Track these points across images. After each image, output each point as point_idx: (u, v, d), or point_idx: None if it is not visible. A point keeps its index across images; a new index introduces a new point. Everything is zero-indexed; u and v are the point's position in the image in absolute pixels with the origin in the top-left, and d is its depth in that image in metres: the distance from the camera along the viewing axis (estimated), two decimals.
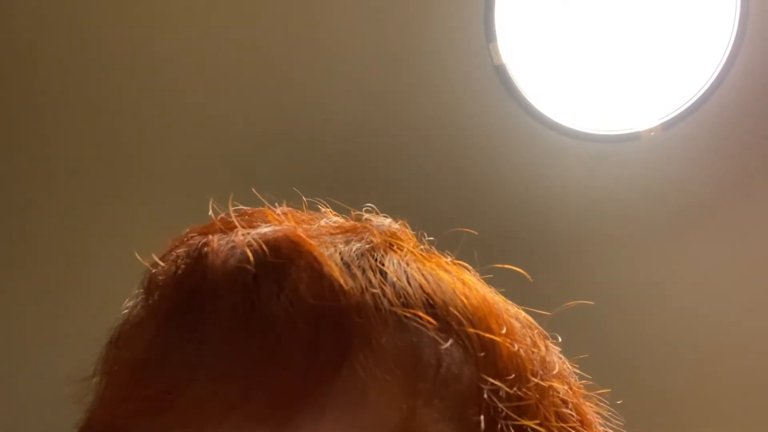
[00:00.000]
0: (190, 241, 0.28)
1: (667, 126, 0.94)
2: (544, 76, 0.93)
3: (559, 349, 0.32)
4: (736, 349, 1.05)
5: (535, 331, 0.31)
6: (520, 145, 0.97)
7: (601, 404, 0.32)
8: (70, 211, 1.02)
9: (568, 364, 0.31)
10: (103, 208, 1.02)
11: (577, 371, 0.32)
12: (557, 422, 0.28)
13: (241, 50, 0.94)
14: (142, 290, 0.29)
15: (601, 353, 1.02)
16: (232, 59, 0.95)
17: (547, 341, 0.31)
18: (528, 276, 0.35)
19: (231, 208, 0.30)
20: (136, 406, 0.25)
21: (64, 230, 1.03)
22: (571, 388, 0.30)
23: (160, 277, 0.28)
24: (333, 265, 0.26)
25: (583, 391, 0.31)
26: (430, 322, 0.26)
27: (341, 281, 0.26)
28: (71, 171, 1.00)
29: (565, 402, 0.29)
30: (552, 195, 1.00)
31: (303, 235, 0.27)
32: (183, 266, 0.27)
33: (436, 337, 0.26)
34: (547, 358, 0.30)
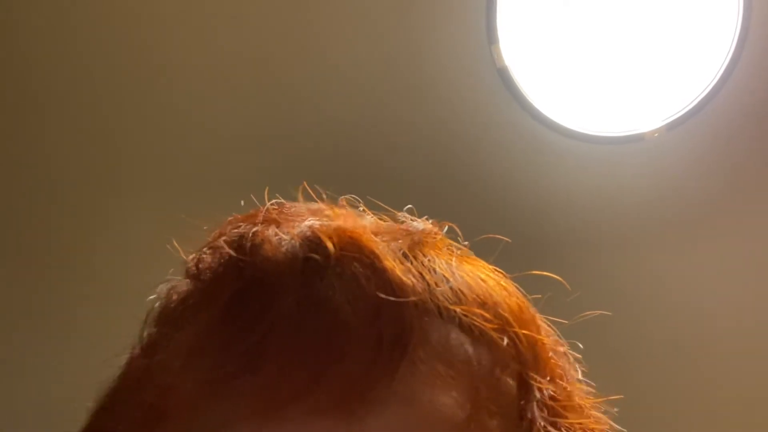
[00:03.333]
0: (237, 230, 0.29)
1: (671, 127, 0.94)
2: (546, 78, 0.93)
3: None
4: (744, 348, 1.05)
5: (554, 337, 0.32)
6: (523, 147, 0.97)
7: (606, 408, 0.32)
8: (73, 213, 1.02)
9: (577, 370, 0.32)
10: (106, 211, 1.02)
11: (584, 377, 0.32)
12: (582, 429, 0.29)
13: (244, 56, 0.94)
14: (188, 274, 0.29)
15: (606, 354, 1.02)
16: (238, 64, 0.95)
17: (564, 347, 0.32)
18: (551, 274, 0.35)
19: (268, 202, 0.30)
20: (200, 388, 0.25)
21: (68, 233, 1.03)
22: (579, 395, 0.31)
23: (211, 263, 0.28)
24: (392, 260, 0.27)
25: (587, 396, 0.32)
26: (489, 321, 0.27)
27: (402, 277, 0.26)
28: (73, 174, 1.00)
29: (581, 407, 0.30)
30: (556, 197, 1.00)
31: (361, 230, 0.27)
32: (238, 254, 0.28)
33: (494, 336, 0.27)
34: (566, 364, 0.30)
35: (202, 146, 0.99)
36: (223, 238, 0.29)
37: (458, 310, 0.27)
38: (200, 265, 0.29)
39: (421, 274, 0.27)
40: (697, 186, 0.98)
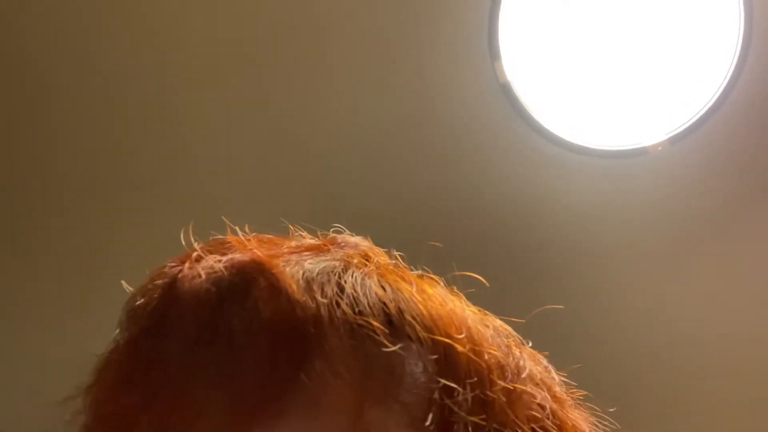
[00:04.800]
0: (167, 271, 0.31)
1: (675, 140, 0.94)
2: (549, 92, 0.93)
3: (546, 358, 0.33)
4: (744, 365, 1.04)
5: (511, 339, 0.32)
6: (526, 162, 0.97)
7: (596, 413, 0.32)
8: (78, 214, 1.03)
9: (553, 373, 0.32)
10: (112, 213, 1.02)
11: (570, 381, 0.32)
12: (529, 425, 0.29)
13: (251, 71, 0.95)
14: (123, 319, 0.31)
15: (605, 367, 1.01)
16: (242, 77, 0.96)
17: (524, 348, 0.32)
18: (524, 291, 0.35)
19: (193, 239, 0.32)
20: (111, 421, 0.28)
21: (72, 234, 1.04)
22: (553, 395, 0.31)
23: (138, 306, 0.31)
24: (291, 281, 0.28)
25: (568, 398, 0.32)
26: (380, 329, 0.28)
27: (297, 296, 0.28)
28: (78, 174, 1.01)
29: (542, 407, 0.30)
30: (559, 211, 1.00)
31: (265, 257, 0.29)
32: (156, 294, 0.30)
33: (385, 342, 0.28)
34: (521, 364, 0.30)
35: (210, 159, 1.00)
36: (155, 281, 0.31)
37: (351, 320, 0.28)
38: (130, 310, 0.31)
39: (323, 290, 0.28)
40: (700, 200, 0.98)
